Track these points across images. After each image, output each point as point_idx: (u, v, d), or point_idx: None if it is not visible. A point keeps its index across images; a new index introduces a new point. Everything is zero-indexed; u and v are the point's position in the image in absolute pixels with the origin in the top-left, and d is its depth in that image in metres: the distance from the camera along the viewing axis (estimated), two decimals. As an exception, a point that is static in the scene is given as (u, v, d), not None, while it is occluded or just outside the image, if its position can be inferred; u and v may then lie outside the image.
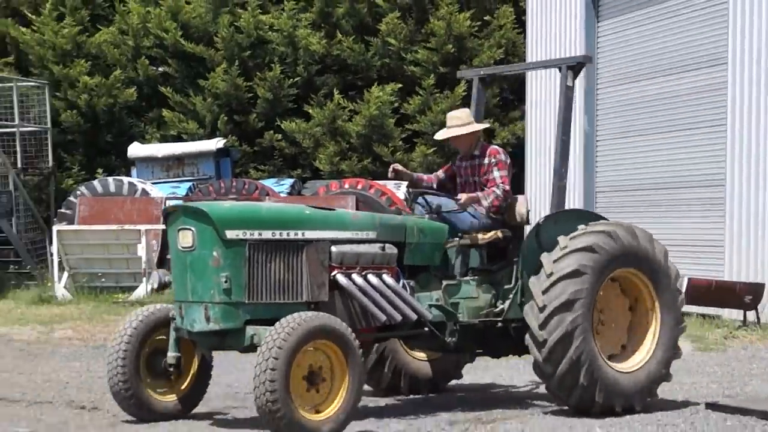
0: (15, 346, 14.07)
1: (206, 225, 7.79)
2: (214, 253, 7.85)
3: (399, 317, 7.93)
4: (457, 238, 8.59)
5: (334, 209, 8.90)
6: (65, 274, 19.28)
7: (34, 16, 26.06)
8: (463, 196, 8.69)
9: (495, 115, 22.56)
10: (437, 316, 8.31)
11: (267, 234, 7.86)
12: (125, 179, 21.36)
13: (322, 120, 23.70)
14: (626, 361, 8.20)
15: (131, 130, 25.24)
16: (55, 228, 19.64)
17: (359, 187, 18.96)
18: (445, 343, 8.43)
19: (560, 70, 8.81)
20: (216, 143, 22.65)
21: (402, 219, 8.66)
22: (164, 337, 7.92)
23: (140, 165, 22.90)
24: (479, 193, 8.70)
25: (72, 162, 25.31)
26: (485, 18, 23.99)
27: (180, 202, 9.39)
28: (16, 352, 13.59)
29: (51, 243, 20.35)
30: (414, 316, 8.04)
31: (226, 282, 7.73)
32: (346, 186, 19.08)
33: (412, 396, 9.00)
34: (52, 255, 20.38)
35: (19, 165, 22.97)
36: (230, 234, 7.77)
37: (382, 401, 9.12)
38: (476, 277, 8.59)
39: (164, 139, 24.71)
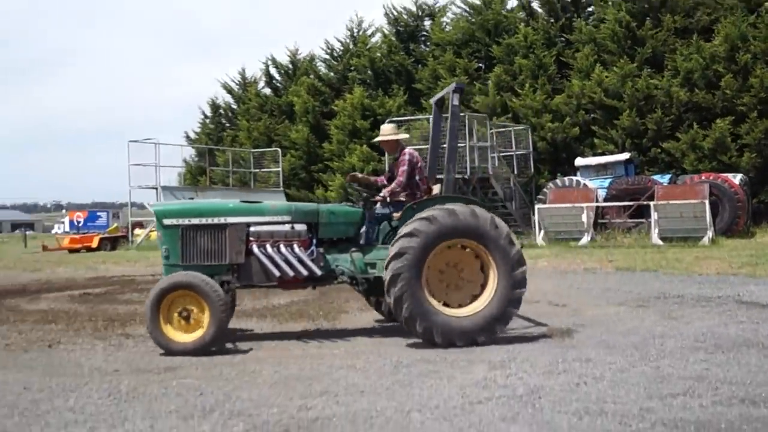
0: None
1: (156, 217, 9.45)
2: (158, 234, 9.60)
3: (291, 273, 9.02)
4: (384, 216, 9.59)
5: (261, 202, 9.61)
6: (542, 231, 24.98)
7: (520, 91, 31.86)
8: (384, 191, 9.78)
9: None
10: (348, 272, 9.23)
11: (195, 221, 9.21)
12: (574, 178, 27.20)
13: (687, 141, 28.43)
14: (467, 308, 8.66)
15: (576, 150, 30.45)
16: (536, 206, 25.72)
17: (710, 178, 24.66)
18: (359, 290, 9.66)
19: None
20: (625, 156, 28.04)
21: (315, 206, 9.63)
22: None
23: (582, 170, 28.08)
24: (385, 190, 9.80)
25: (543, 169, 31.21)
26: None
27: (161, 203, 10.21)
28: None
29: (534, 214, 26.00)
30: (304, 273, 9.05)
31: (165, 252, 9.27)
32: (703, 178, 24.87)
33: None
34: (534, 221, 26.01)
35: (515, 172, 29.67)
36: (166, 222, 9.26)
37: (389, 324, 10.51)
38: (385, 245, 9.15)
39: (594, 154, 29.61)
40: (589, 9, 34.33)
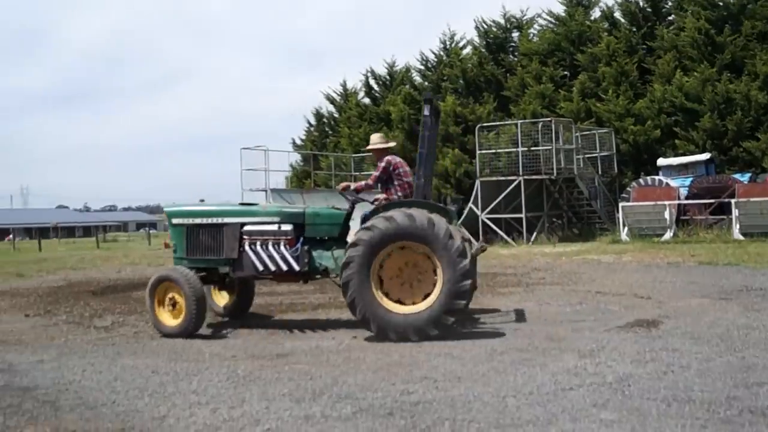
0: (602, 266, 17.23)
1: (167, 217, 10.20)
2: (169, 232, 10.24)
3: (273, 268, 9.48)
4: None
5: (256, 204, 10.18)
6: (625, 228, 24.44)
7: (604, 96, 31.27)
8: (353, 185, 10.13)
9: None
10: (326, 267, 9.44)
11: (198, 221, 9.89)
12: (656, 177, 26.50)
13: (766, 141, 27.69)
14: (420, 304, 8.54)
15: (658, 151, 29.69)
16: (620, 204, 25.18)
17: (781, 175, 23.59)
18: (337, 283, 9.39)
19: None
20: (706, 156, 27.41)
21: (302, 209, 9.84)
22: None
23: (664, 170, 27.42)
24: (354, 184, 10.12)
25: (626, 170, 30.50)
26: None
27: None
28: (603, 269, 16.52)
29: (618, 212, 25.32)
30: (285, 268, 9.43)
31: (174, 247, 10.06)
32: (775, 177, 23.95)
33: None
34: (618, 218, 25.23)
35: (599, 172, 29.15)
36: (175, 221, 10.03)
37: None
38: None
39: (675, 155, 28.75)
40: (670, 18, 33.40)
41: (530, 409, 5.56)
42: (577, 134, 28.60)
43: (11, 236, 72.65)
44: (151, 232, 76.19)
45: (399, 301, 8.69)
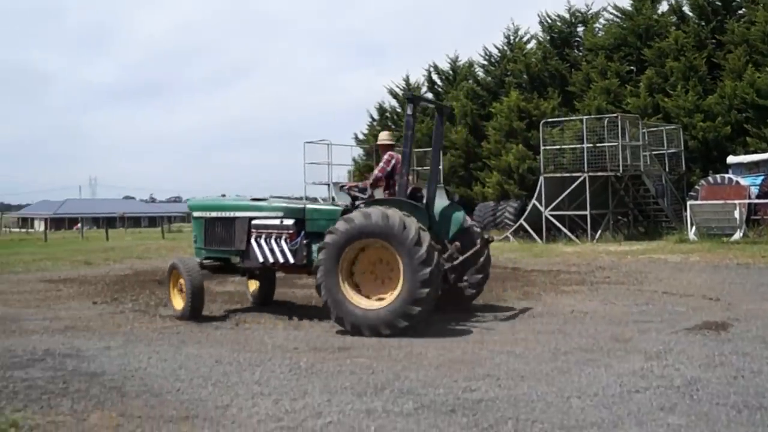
0: (669, 265, 16.78)
1: (189, 210, 11.25)
2: (191, 224, 11.15)
3: (273, 260, 10.00)
4: None
5: (264, 199, 10.66)
6: (693, 227, 23.91)
7: (672, 92, 30.47)
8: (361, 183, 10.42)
9: None
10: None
11: (214, 214, 10.66)
12: (726, 176, 25.66)
13: None
14: (381, 302, 8.66)
15: (728, 148, 28.83)
16: (688, 202, 24.67)
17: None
18: None
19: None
20: None
21: (302, 206, 10.21)
22: None
23: (734, 168, 26.74)
24: (362, 183, 10.38)
25: (695, 167, 29.76)
26: None
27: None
28: (670, 268, 16.21)
29: (685, 210, 24.88)
30: (284, 260, 9.91)
31: (194, 237, 10.97)
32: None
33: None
34: (685, 217, 24.77)
35: (666, 169, 28.60)
36: (196, 214, 10.94)
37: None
38: None
39: (746, 153, 28.07)
40: (740, 11, 32.33)
41: (595, 411, 5.45)
42: (644, 130, 28.04)
43: (79, 225, 74.09)
44: None
45: (367, 296, 8.86)
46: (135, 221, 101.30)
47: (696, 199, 25.02)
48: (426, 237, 8.62)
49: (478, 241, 10.04)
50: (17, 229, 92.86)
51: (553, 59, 36.39)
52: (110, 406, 5.76)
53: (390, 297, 8.67)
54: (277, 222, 10.09)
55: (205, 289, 10.38)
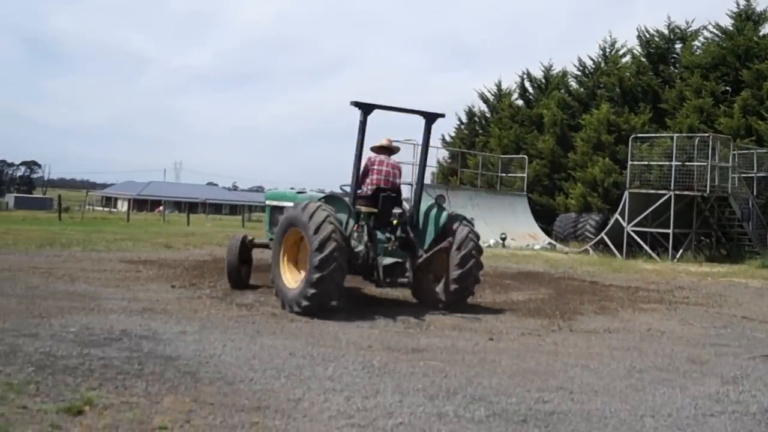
0: (749, 290, 16.51)
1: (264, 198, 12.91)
2: (264, 210, 12.82)
3: None
4: None
5: (304, 192, 11.95)
6: None
7: (767, 114, 29.80)
8: None
9: None
10: None
11: (275, 203, 12.20)
12: None
13: None
14: (298, 283, 9.94)
15: None
16: None
17: None
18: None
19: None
20: None
21: (322, 196, 10.86)
22: None
23: None
24: None
25: None
26: None
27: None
28: (751, 293, 15.74)
29: None
30: None
31: (266, 222, 12.61)
32: None
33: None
34: None
35: (754, 193, 27.88)
36: (268, 202, 12.55)
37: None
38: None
39: None
40: None
41: (668, 432, 5.38)
42: (735, 152, 27.40)
43: (162, 208, 74.71)
44: None
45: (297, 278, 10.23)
46: (216, 208, 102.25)
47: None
48: (327, 228, 9.66)
49: (447, 241, 10.65)
50: (101, 208, 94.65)
51: (647, 74, 35.75)
52: (183, 391, 5.77)
53: (301, 280, 9.96)
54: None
55: None
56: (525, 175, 36.22)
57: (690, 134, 27.70)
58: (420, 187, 11.26)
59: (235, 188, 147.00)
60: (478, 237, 11.04)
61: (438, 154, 41.38)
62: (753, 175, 28.49)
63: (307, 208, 9.82)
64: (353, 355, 7.44)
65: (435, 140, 47.88)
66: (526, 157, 37.04)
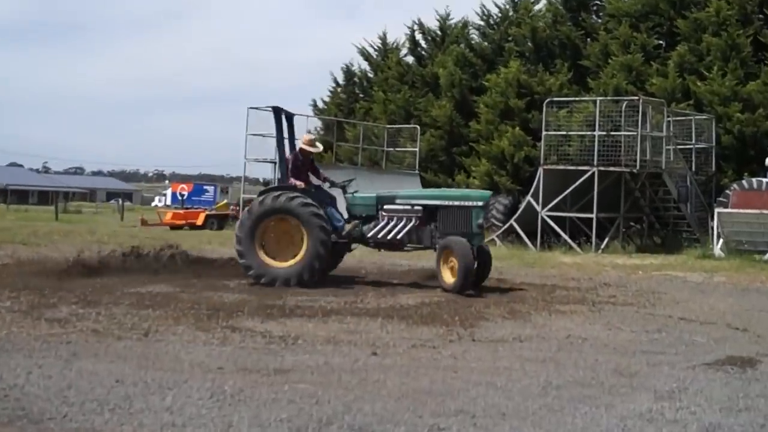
0: (688, 285, 17.16)
1: None
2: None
3: None
4: None
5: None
6: (720, 240, 24.15)
7: (707, 74, 30.63)
8: None
9: None
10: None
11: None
12: (764, 180, 25.20)
13: None
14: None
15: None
16: (716, 210, 24.70)
17: None
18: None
19: None
20: None
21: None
22: None
23: None
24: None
25: (726, 168, 29.91)
26: None
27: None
28: (689, 289, 16.37)
29: (712, 219, 25.13)
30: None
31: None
32: None
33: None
34: (712, 228, 25.14)
35: (692, 168, 28.76)
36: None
37: None
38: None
39: None
40: (796, -18, 32.74)
41: (590, 462, 5.46)
42: (670, 119, 28.37)
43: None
44: (125, 204, 75.10)
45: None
46: (21, 196, 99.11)
47: (726, 206, 25.10)
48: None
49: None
50: None
51: (565, 25, 36.65)
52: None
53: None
54: None
55: None
56: (417, 149, 36.16)
57: (616, 98, 28.42)
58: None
59: (46, 170, 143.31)
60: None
61: (308, 124, 41.09)
62: (691, 146, 29.50)
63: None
64: (199, 379, 7.35)
65: (305, 107, 47.75)
66: (417, 127, 37.11)
